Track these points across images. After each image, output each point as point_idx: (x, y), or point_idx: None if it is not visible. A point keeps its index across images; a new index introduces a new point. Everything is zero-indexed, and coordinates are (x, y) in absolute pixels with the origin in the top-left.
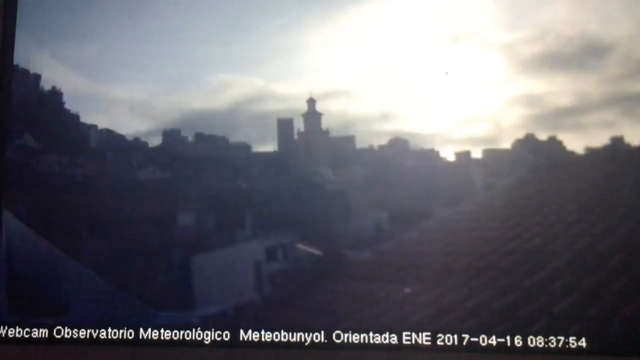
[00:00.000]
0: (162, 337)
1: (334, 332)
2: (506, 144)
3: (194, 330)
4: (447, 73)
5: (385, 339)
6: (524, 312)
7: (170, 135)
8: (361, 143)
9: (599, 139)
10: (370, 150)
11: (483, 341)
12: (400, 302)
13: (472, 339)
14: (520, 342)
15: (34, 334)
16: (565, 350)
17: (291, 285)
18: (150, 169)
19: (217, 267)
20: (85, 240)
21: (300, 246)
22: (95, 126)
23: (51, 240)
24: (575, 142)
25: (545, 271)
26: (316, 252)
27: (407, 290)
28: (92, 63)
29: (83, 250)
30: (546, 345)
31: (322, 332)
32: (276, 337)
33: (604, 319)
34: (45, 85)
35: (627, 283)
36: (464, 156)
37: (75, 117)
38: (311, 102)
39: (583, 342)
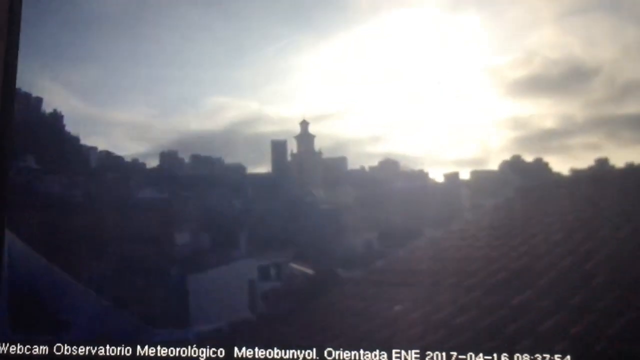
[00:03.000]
0: (159, 354)
1: (325, 349)
2: (493, 166)
3: (190, 347)
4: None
5: (375, 356)
6: (510, 329)
7: (168, 157)
8: (352, 164)
9: (584, 161)
10: (361, 171)
11: (471, 358)
12: (390, 320)
13: (460, 357)
14: None
15: (35, 351)
16: None
17: (284, 303)
18: (148, 190)
19: (213, 285)
20: (85, 259)
21: (293, 265)
22: (95, 148)
23: (52, 260)
24: (561, 164)
25: (532, 290)
26: (309, 270)
27: (397, 308)
28: (92, 87)
29: (83, 269)
30: None
31: (314, 349)
32: (269, 354)
33: (589, 337)
34: (47, 108)
35: (611, 302)
36: (452, 177)
37: (76, 140)
38: (304, 124)
39: None
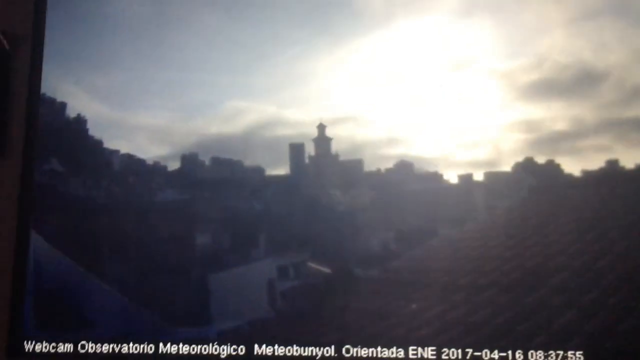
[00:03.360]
0: (180, 352)
1: (343, 346)
2: (506, 167)
3: (210, 344)
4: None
5: (392, 353)
6: (524, 327)
7: (188, 159)
8: (369, 166)
9: (595, 162)
10: (377, 173)
11: (486, 355)
12: (406, 318)
13: (476, 353)
14: (521, 356)
15: (60, 349)
16: None
17: (302, 301)
18: (170, 192)
19: (233, 284)
20: (108, 259)
21: (311, 264)
22: (118, 151)
23: (76, 259)
24: (572, 165)
25: (545, 288)
26: (326, 270)
27: (413, 306)
28: (115, 91)
29: (106, 268)
30: (546, 359)
31: (333, 346)
32: (289, 352)
33: (602, 334)
34: (71, 113)
35: (623, 299)
36: (466, 179)
37: (99, 143)
38: (321, 127)
39: (582, 356)
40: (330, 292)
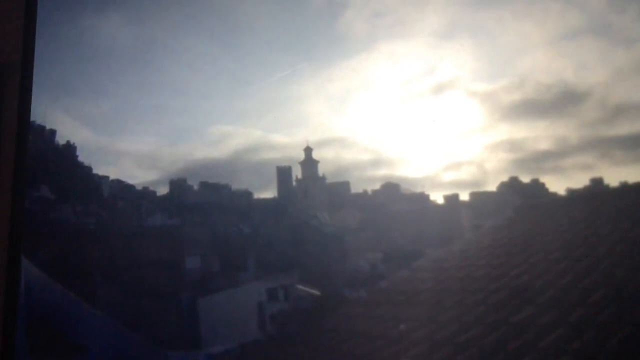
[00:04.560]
0: None
1: None
2: (492, 187)
3: None
4: (434, 121)
5: None
6: (512, 345)
7: (177, 184)
8: (355, 188)
9: (579, 180)
10: (364, 194)
11: None
12: (395, 338)
13: None
14: None
15: None
16: None
17: (292, 323)
18: (159, 216)
19: (223, 307)
20: (99, 284)
21: (300, 286)
22: (107, 177)
23: (67, 285)
24: (557, 184)
25: (532, 307)
26: (315, 292)
27: (402, 326)
28: (103, 118)
29: (96, 293)
30: None
31: None
32: None
33: (590, 351)
34: (60, 140)
35: (610, 316)
36: (452, 199)
37: (88, 169)
38: (308, 150)
39: None
40: (319, 313)
